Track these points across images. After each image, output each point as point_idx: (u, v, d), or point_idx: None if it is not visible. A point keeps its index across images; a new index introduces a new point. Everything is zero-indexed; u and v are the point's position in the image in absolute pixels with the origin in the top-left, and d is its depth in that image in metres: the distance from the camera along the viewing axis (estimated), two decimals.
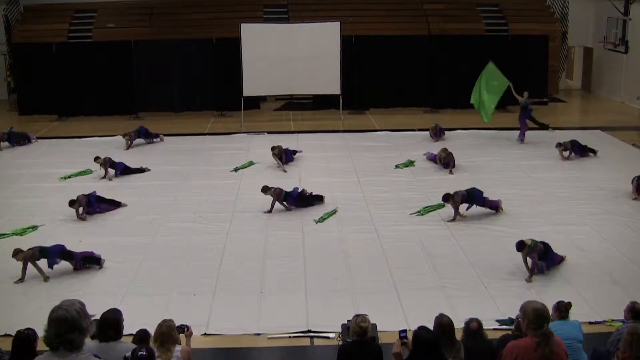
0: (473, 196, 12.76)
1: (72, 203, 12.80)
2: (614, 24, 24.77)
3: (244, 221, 12.72)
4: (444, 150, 16.20)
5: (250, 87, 21.66)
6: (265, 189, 13.23)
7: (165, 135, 19.81)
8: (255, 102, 23.74)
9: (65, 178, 15.50)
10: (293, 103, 24.84)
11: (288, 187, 13.98)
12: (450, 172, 15.65)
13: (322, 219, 12.67)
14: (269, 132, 20.32)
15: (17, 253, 10.22)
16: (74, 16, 25.78)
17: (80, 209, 12.85)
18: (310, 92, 23.25)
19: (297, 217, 12.89)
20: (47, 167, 16.45)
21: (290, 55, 21.41)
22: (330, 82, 21.71)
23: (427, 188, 14.48)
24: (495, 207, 12.88)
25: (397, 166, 16.26)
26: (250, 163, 16.48)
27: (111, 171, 15.62)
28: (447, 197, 12.65)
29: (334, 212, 13.01)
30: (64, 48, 23.35)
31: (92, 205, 13.05)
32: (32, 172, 16.03)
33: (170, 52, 23.34)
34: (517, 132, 18.94)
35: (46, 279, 10.15)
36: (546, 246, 10.24)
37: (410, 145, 18.21)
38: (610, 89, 26.44)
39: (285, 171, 15.98)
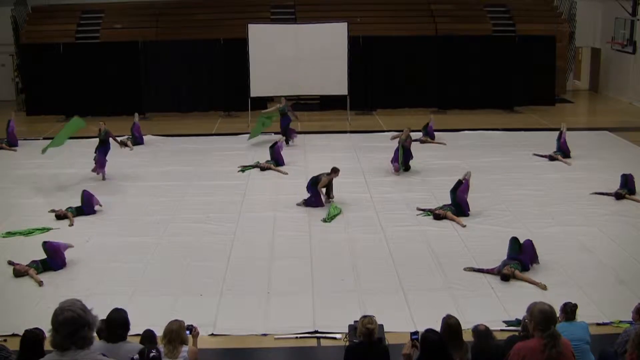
0: (460, 208, 12.86)
1: (59, 217, 12.82)
2: (622, 25, 24.74)
3: (251, 221, 12.72)
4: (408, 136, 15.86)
5: (258, 88, 21.66)
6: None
7: (172, 135, 19.88)
8: (262, 103, 23.75)
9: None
10: (300, 104, 24.85)
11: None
12: (401, 170, 15.66)
13: (330, 218, 12.68)
14: (275, 133, 20.33)
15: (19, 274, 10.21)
16: (82, 17, 25.88)
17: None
18: (317, 92, 23.24)
19: (304, 217, 12.90)
20: (54, 167, 16.48)
21: (298, 56, 21.41)
22: (337, 83, 21.69)
23: (435, 188, 14.46)
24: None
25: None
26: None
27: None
28: (438, 216, 12.65)
29: (339, 212, 13.01)
30: (71, 48, 23.41)
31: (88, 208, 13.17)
32: (39, 173, 16.07)
33: (178, 53, 23.34)
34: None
35: (40, 283, 9.98)
36: (512, 241, 10.42)
37: (417, 145, 18.13)
38: (618, 89, 26.35)
39: (286, 173, 15.97)
